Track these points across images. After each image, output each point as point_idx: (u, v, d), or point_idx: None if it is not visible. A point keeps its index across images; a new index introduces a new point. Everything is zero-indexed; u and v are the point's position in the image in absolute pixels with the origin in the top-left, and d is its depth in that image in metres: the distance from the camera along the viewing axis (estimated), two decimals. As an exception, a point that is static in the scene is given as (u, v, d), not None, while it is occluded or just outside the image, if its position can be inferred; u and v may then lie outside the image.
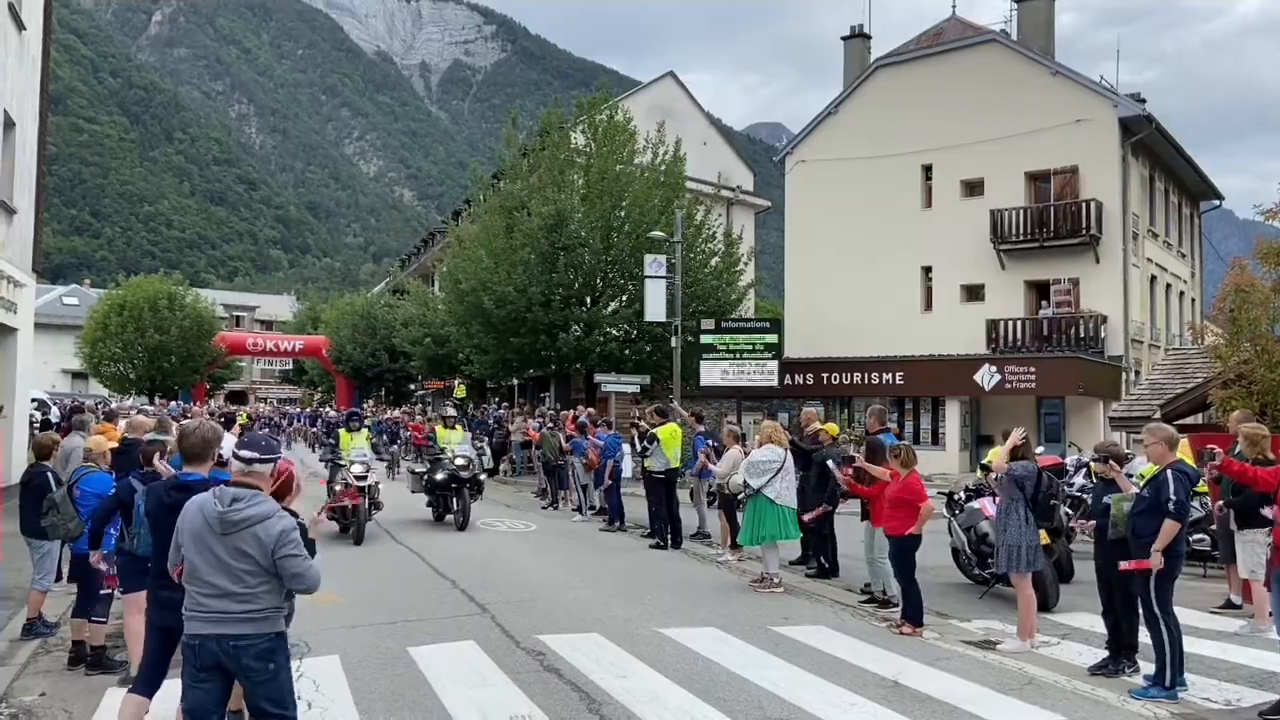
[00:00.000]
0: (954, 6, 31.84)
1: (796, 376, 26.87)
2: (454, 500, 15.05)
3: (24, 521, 7.65)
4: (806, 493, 11.17)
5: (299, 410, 52.76)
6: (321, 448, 16.33)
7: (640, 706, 6.24)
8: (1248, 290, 11.63)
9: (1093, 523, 7.65)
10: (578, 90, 41.40)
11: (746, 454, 11.54)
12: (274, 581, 4.19)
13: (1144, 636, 7.01)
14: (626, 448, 17.01)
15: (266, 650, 4.15)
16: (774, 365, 24.22)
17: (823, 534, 11.38)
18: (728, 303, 27.05)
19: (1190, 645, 7.17)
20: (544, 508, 18.47)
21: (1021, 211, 28.31)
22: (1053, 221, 27.65)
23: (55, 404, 25.89)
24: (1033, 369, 24.40)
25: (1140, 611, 7.02)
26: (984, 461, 11.76)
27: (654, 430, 14.17)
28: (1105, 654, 7.45)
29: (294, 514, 4.43)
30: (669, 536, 13.61)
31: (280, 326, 75.67)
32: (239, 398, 68.96)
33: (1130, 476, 8.31)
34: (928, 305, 30.44)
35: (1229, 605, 9.64)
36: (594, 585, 10.57)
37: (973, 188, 29.59)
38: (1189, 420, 14.98)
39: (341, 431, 15.41)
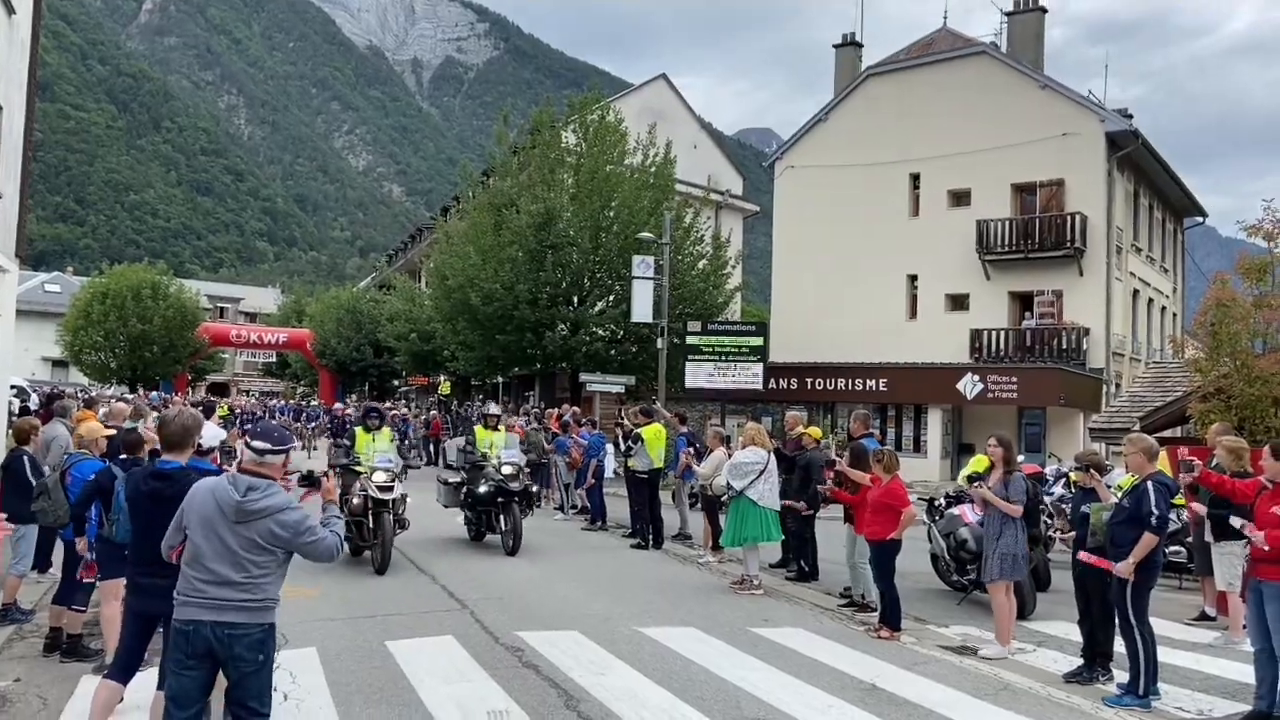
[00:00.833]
0: (945, 17, 32.04)
1: (781, 381, 26.93)
2: (499, 518, 12.61)
3: (2, 505, 7.60)
4: (789, 496, 11.22)
5: (283, 403, 52.21)
6: (336, 449, 13.29)
7: (618, 704, 6.25)
8: (1229, 305, 11.75)
9: (1072, 532, 7.71)
10: (569, 90, 41.48)
11: (730, 456, 11.57)
12: (277, 573, 4.25)
13: (1119, 646, 7.07)
14: (610, 447, 17.03)
15: (259, 641, 4.17)
16: (759, 369, 24.28)
17: (803, 538, 11.43)
18: (714, 305, 27.12)
19: (1164, 655, 7.24)
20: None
21: (1007, 223, 28.48)
22: (1038, 233, 27.82)
23: (35, 391, 25.67)
24: (1015, 379, 24.55)
25: (1116, 620, 7.08)
26: (968, 473, 11.84)
27: (638, 430, 14.19)
28: (1080, 662, 7.51)
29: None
30: (650, 537, 13.63)
31: (264, 319, 75.27)
32: (221, 390, 68.50)
33: (1109, 487, 8.38)
34: (913, 313, 30.56)
35: (1204, 617, 9.73)
36: (574, 584, 10.57)
37: (959, 198, 29.74)
38: (1168, 433, 15.12)
39: (358, 431, 12.34)
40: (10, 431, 9.03)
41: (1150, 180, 31.09)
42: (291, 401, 55.65)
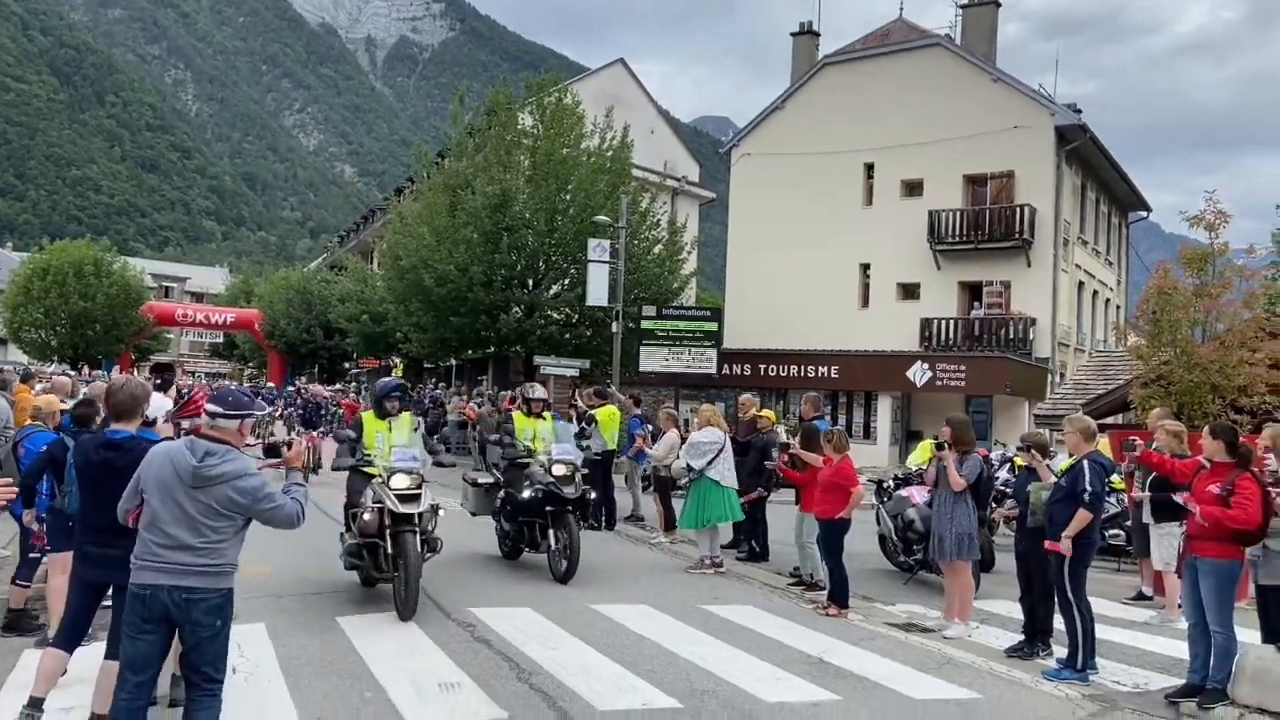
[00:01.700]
0: (901, 8, 32.31)
1: (734, 367, 27.10)
2: (548, 532, 9.60)
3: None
4: (741, 479, 11.32)
5: (234, 385, 51.22)
6: (340, 443, 9.52)
7: (570, 677, 6.29)
8: (1170, 293, 12.08)
9: (1015, 511, 7.90)
10: (526, 73, 41.10)
11: (685, 438, 11.66)
12: (235, 538, 4.23)
13: (1059, 623, 7.27)
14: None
15: (218, 606, 4.16)
16: (713, 354, 24.42)
17: (755, 519, 11.55)
18: (669, 290, 27.18)
19: (1102, 632, 7.46)
20: (478, 488, 18.37)
21: (958, 213, 28.90)
22: (988, 224, 28.27)
23: (-29, 368, 24.97)
24: (963, 367, 24.97)
25: (1056, 598, 7.28)
26: (915, 460, 12.05)
27: (592, 411, 14.21)
28: (1021, 637, 7.71)
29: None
30: (603, 518, 13.67)
31: (211, 299, 73.83)
32: (165, 370, 67.15)
33: (1054, 472, 8.59)
34: (865, 302, 30.91)
35: (1141, 596, 10.03)
36: (526, 563, 10.58)
37: (912, 188, 30.11)
38: (1110, 420, 15.51)
39: (366, 417, 8.94)
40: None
41: (1097, 174, 31.73)
42: (249, 384, 54.74)
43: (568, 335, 25.95)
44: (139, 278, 52.22)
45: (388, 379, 9.45)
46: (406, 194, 34.90)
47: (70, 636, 4.85)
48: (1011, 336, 27.26)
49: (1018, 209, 27.70)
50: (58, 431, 6.97)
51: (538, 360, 24.63)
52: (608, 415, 14.00)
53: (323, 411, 19.03)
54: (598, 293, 23.08)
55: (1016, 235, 27.54)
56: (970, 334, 28.03)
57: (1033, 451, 7.91)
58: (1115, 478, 10.14)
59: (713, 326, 24.77)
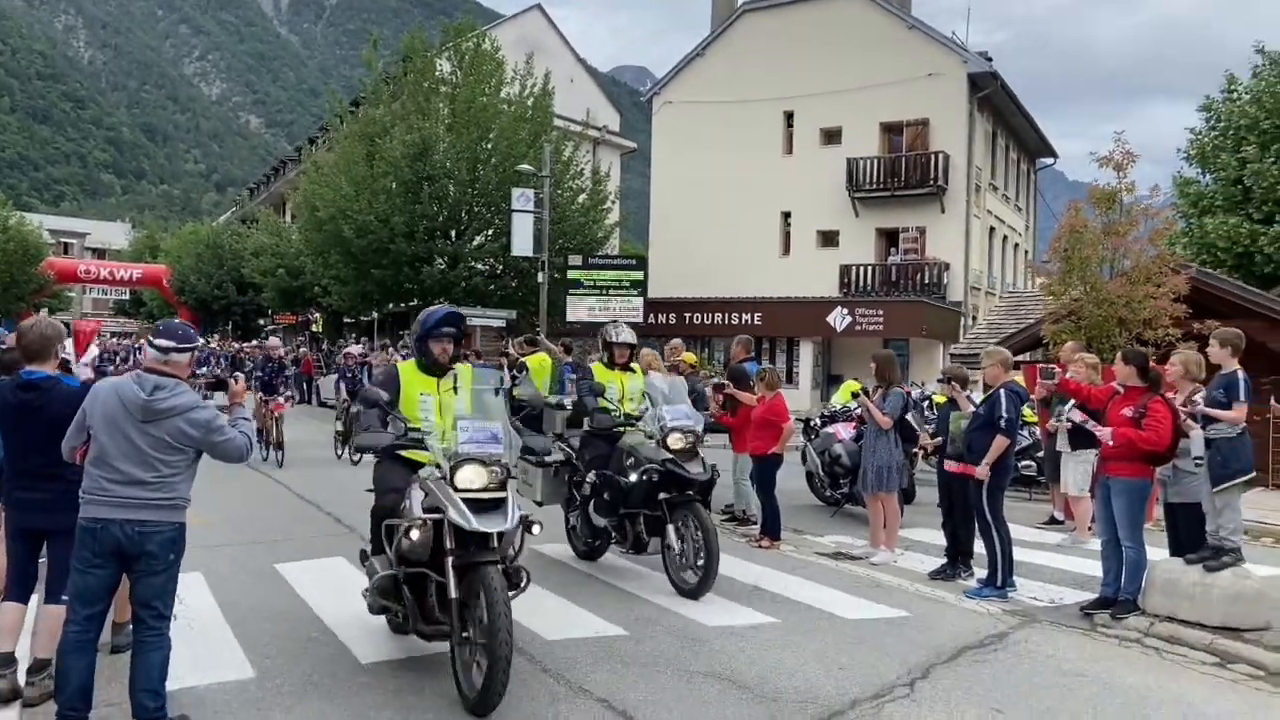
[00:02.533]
0: (820, -45, 32.31)
1: (660, 316, 27.30)
2: (672, 528, 7.20)
3: None
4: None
5: (134, 344, 49.18)
6: (363, 409, 5.32)
7: (520, 611, 6.33)
8: (1081, 231, 12.61)
9: (937, 440, 8.25)
10: (438, 19, 40.07)
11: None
12: (187, 472, 4.23)
13: (979, 547, 7.65)
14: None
15: (170, 540, 4.15)
16: (639, 303, 24.55)
17: (686, 460, 11.74)
18: (594, 240, 27.16)
19: (1019, 554, 7.86)
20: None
21: (875, 161, 29.37)
22: (904, 171, 28.81)
23: None
24: (881, 312, 25.62)
25: (975, 521, 7.65)
26: (838, 401, 12.39)
27: (523, 359, 14.21)
28: (944, 561, 8.09)
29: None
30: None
31: (114, 255, 70.93)
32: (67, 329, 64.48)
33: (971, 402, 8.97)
34: (786, 250, 31.31)
35: (1053, 521, 10.57)
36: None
37: (831, 136, 30.44)
38: (1023, 356, 16.14)
39: (404, 368, 5.78)
40: None
41: (1007, 122, 32.51)
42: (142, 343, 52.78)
43: (493, 286, 25.78)
44: (36, 233, 49.89)
45: (436, 307, 6.00)
46: (320, 144, 33.98)
47: (21, 586, 4.77)
48: (927, 281, 27.98)
49: (932, 156, 28.28)
50: None
51: (463, 312, 24.41)
52: (539, 363, 13.98)
53: (286, 374, 16.34)
54: (523, 243, 22.94)
55: (931, 182, 28.14)
56: (888, 279, 28.68)
57: (953, 383, 8.25)
58: (1028, 410, 10.61)
59: (638, 275, 24.88)
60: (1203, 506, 6.71)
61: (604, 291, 24.34)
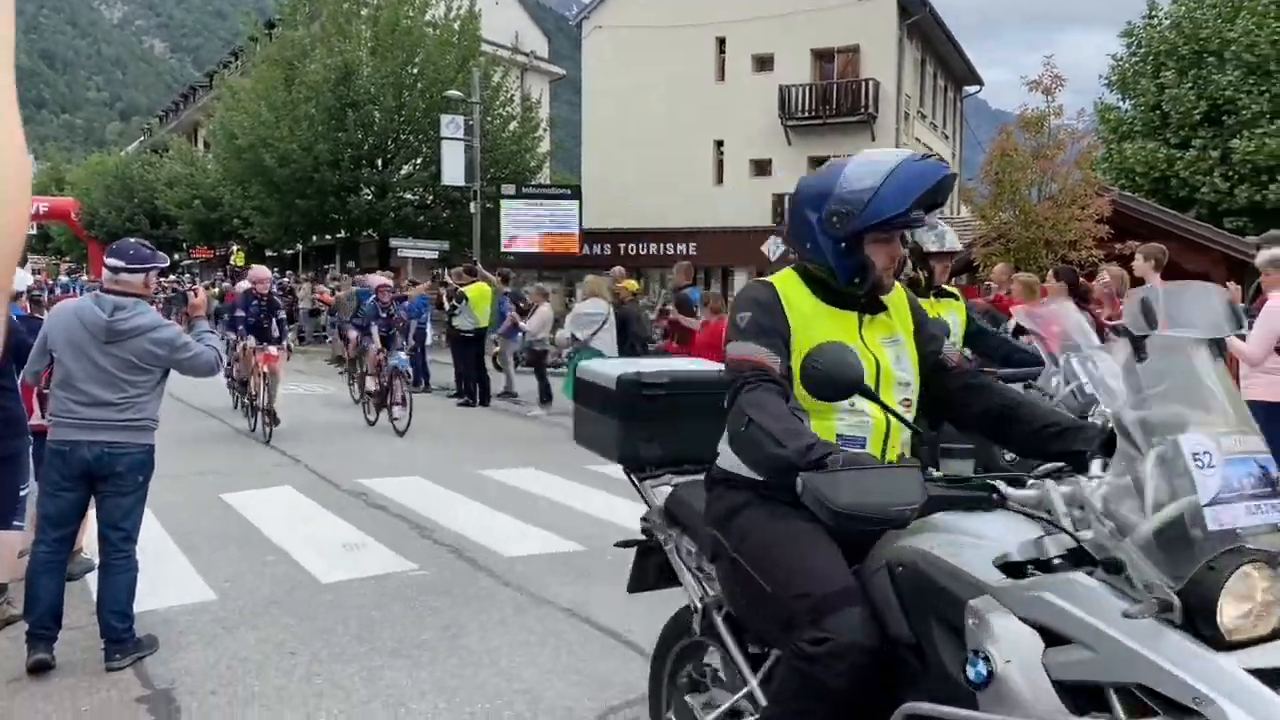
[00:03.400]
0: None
1: (595, 246, 27.18)
2: None
3: None
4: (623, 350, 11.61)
5: (73, 279, 47.00)
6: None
7: (472, 532, 6.49)
8: (1011, 155, 12.89)
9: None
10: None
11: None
12: (154, 392, 4.18)
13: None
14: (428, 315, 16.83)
15: (140, 462, 4.13)
16: (574, 233, 24.37)
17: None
18: (527, 169, 26.80)
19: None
20: (341, 373, 18.03)
21: (807, 88, 29.36)
22: (835, 99, 28.89)
23: None
24: (813, 240, 25.85)
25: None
26: None
27: (462, 289, 14.10)
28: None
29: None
30: (477, 395, 13.75)
31: (16, 189, 67.43)
32: None
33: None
34: (719, 179, 31.28)
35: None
36: (408, 438, 10.61)
37: (763, 63, 30.28)
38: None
39: (785, 280, 2.46)
40: None
41: (935, 49, 32.71)
42: (55, 280, 50.70)
43: (423, 217, 25.34)
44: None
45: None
46: (234, 68, 32.66)
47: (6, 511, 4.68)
48: (857, 210, 28.27)
49: (863, 84, 28.38)
50: None
51: (394, 243, 24.04)
52: (479, 293, 13.91)
53: (279, 314, 11.22)
54: (453, 172, 22.52)
55: (862, 110, 28.28)
56: (819, 208, 28.89)
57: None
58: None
59: (573, 205, 24.67)
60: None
61: (538, 222, 24.11)
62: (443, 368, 15.59)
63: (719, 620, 2.57)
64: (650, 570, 3.17)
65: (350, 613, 4.85)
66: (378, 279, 14.05)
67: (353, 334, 13.25)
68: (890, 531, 2.05)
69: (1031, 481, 1.98)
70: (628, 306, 11.98)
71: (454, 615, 4.84)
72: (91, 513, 4.37)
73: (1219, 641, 1.55)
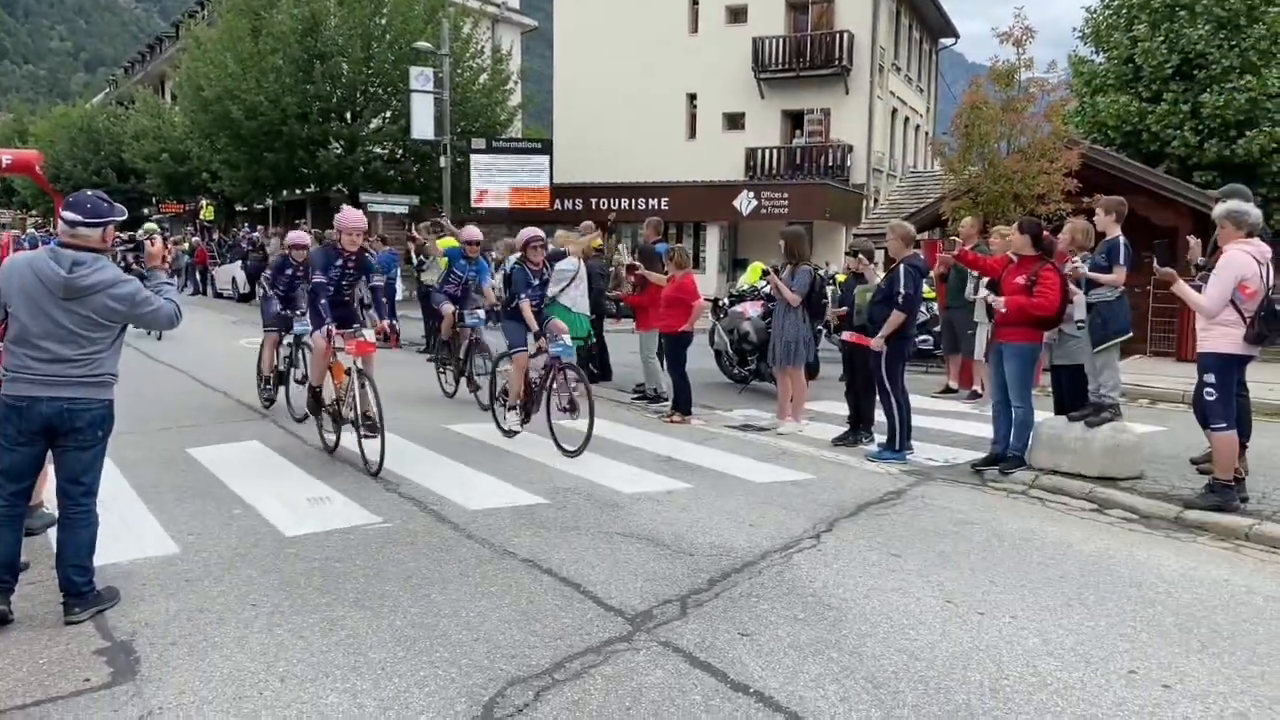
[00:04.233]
0: None
1: (566, 201, 26.96)
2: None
3: None
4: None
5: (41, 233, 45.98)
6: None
7: (439, 486, 6.53)
8: (981, 108, 12.88)
9: (842, 309, 8.53)
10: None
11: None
12: (112, 348, 4.15)
13: (881, 416, 8.02)
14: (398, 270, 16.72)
15: (100, 417, 4.12)
16: (545, 187, 24.17)
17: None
18: (497, 123, 26.47)
19: (918, 421, 8.26)
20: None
21: (781, 40, 29.12)
22: (809, 51, 28.67)
23: None
24: (786, 195, 25.83)
25: (876, 390, 8.01)
26: (744, 283, 12.62)
27: (429, 244, 14.00)
28: (846, 428, 8.48)
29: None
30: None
31: (-23, 141, 65.99)
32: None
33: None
34: (692, 133, 31.09)
35: (947, 390, 11.11)
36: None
37: (737, 14, 29.96)
38: (924, 235, 16.59)
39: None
40: None
41: (911, 1, 32.46)
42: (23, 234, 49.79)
43: (393, 171, 25.03)
44: (-114, 117, 46.07)
45: None
46: (201, 18, 31.94)
47: None
48: (831, 164, 28.23)
49: (838, 35, 28.16)
50: None
51: (364, 198, 23.72)
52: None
53: (373, 281, 7.81)
54: (423, 126, 22.23)
55: (836, 62, 28.09)
56: (792, 162, 28.83)
57: (860, 256, 8.50)
58: (927, 288, 10.99)
59: (544, 160, 24.44)
60: (1085, 368, 7.17)
61: (509, 176, 23.88)
62: (412, 323, 15.52)
63: None
64: None
65: (314, 565, 4.89)
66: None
67: (447, 307, 10.62)
68: None
69: None
70: (591, 263, 11.96)
71: (416, 567, 4.89)
72: (50, 467, 4.37)
73: None
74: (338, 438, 7.51)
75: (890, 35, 30.53)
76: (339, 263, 7.36)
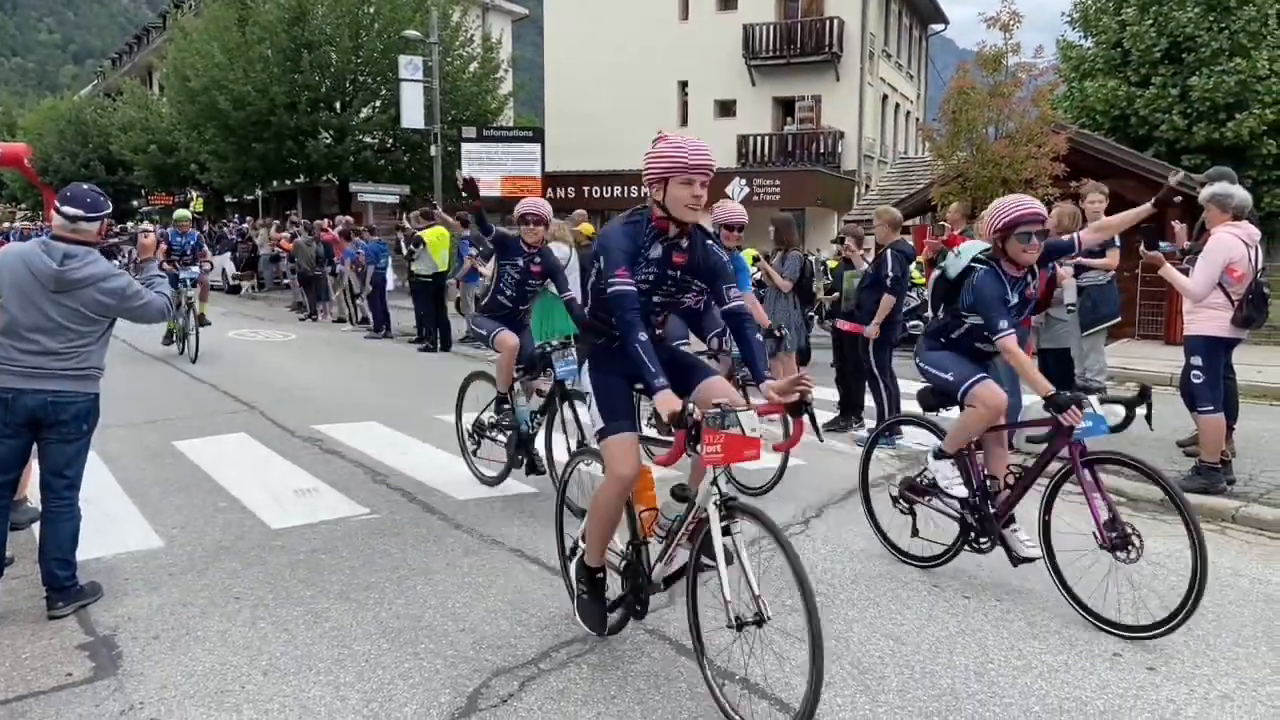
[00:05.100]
0: None
1: (559, 190, 26.88)
2: None
3: None
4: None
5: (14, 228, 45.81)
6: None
7: (427, 476, 6.52)
8: (969, 93, 12.85)
9: (833, 295, 8.52)
10: None
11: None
12: (99, 342, 4.15)
13: (870, 401, 8.01)
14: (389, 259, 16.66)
15: (85, 410, 4.11)
16: (537, 176, 24.10)
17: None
18: (488, 111, 26.37)
19: (906, 407, 8.26)
20: (302, 319, 17.91)
21: (772, 27, 29.03)
22: (800, 38, 28.59)
23: None
24: (778, 182, 25.78)
25: (865, 376, 8.01)
26: (756, 254, 12.62)
27: (419, 233, 13.95)
28: (836, 415, 8.47)
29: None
30: (438, 340, 13.69)
31: (-36, 135, 65.59)
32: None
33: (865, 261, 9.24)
34: (684, 120, 30.98)
35: (937, 376, 11.10)
36: (365, 383, 10.58)
37: (727, 1, 29.86)
38: (913, 221, 16.61)
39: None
40: None
41: (901, -14, 32.41)
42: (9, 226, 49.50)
43: (383, 161, 24.92)
44: (-128, 111, 45.76)
45: None
46: (187, 8, 31.74)
47: None
48: (822, 151, 28.19)
49: (828, 21, 28.08)
50: None
51: (354, 188, 23.65)
52: (436, 237, 13.78)
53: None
54: (413, 114, 22.12)
55: (827, 49, 28.02)
56: (784, 149, 28.78)
57: (848, 241, 8.48)
58: (915, 272, 10.98)
59: (535, 148, 24.36)
60: (1071, 352, 7.17)
61: (501, 165, 23.80)
62: (404, 313, 15.49)
63: None
64: None
65: (299, 557, 4.87)
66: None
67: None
68: None
69: None
70: (583, 251, 11.94)
71: (403, 557, 4.88)
72: (34, 461, 4.35)
73: None
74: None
75: (880, 22, 30.46)
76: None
